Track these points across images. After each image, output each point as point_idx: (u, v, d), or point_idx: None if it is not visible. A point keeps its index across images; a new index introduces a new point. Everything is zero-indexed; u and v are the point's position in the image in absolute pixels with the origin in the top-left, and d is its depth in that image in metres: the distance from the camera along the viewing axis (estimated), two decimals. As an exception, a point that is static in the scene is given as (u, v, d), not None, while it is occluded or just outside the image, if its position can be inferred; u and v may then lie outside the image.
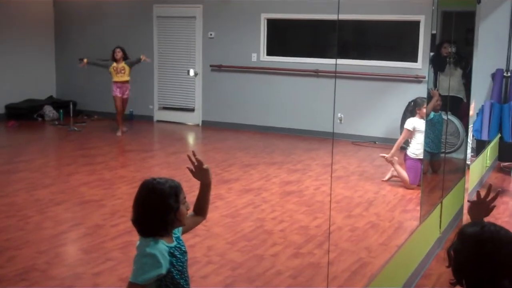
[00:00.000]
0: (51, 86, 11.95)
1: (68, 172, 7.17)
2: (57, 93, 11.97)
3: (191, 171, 2.55)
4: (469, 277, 1.86)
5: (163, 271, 2.23)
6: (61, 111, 10.96)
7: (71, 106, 10.69)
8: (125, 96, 9.82)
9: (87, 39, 11.61)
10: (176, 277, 2.29)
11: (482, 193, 2.36)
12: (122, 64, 9.62)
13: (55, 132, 10.21)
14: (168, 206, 2.28)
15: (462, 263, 1.88)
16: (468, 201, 2.32)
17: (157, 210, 2.28)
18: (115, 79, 9.71)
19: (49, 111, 11.01)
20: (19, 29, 11.02)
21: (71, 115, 10.43)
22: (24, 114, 10.75)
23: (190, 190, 2.59)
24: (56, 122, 10.66)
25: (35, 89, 11.48)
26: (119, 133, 9.66)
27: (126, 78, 9.74)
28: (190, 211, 2.55)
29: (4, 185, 6.47)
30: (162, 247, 2.26)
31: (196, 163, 2.54)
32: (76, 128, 10.05)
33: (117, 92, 9.72)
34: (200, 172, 2.55)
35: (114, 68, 9.63)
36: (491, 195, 2.33)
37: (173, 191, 2.31)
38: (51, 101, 11.47)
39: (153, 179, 2.36)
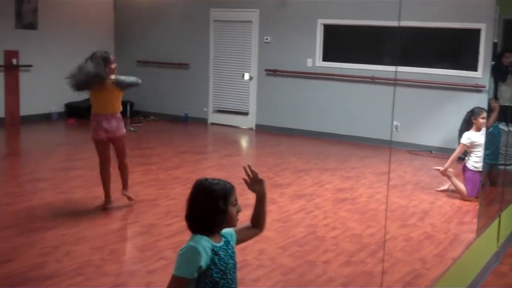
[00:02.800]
0: (110, 87, 12.22)
1: (124, 171, 7.30)
2: (115, 94, 12.23)
3: (246, 182, 2.56)
4: None
5: (202, 263, 2.26)
6: (119, 111, 11.17)
7: (128, 106, 10.90)
8: (118, 134, 5.78)
9: (146, 41, 11.83)
10: (215, 275, 2.31)
11: None
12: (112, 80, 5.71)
13: (112, 131, 10.41)
14: (216, 207, 2.33)
15: None
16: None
17: (206, 210, 2.33)
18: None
19: (107, 111, 11.25)
20: (80, 31, 11.32)
21: (128, 115, 10.63)
22: (83, 113, 11.00)
23: (243, 193, 2.60)
24: (114, 122, 10.87)
25: (94, 89, 11.77)
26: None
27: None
28: (247, 222, 2.58)
29: (62, 182, 6.65)
30: (205, 243, 2.30)
31: (251, 175, 2.55)
32: (132, 128, 10.24)
33: (101, 134, 5.67)
34: (255, 184, 2.55)
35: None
36: None
37: (223, 193, 2.35)
38: (109, 101, 11.71)
39: (205, 179, 2.41)
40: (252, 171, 2.54)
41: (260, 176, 2.54)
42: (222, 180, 2.41)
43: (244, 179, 2.55)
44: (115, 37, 12.21)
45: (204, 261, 2.26)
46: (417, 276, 4.36)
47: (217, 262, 2.31)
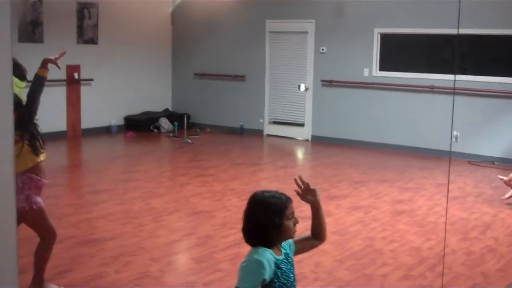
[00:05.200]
0: (167, 99, 12.45)
1: (181, 182, 7.40)
2: (172, 106, 12.45)
3: (298, 194, 2.53)
4: None
5: (267, 277, 2.25)
6: (176, 123, 11.35)
7: (185, 119, 11.06)
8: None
9: (202, 54, 11.99)
10: None
11: None
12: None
13: (170, 143, 10.60)
14: (271, 221, 2.32)
15: None
16: None
17: (261, 223, 2.33)
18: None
19: (164, 123, 11.46)
20: (138, 46, 11.58)
21: (185, 127, 10.77)
22: (142, 126, 11.26)
23: (299, 205, 2.58)
24: (171, 134, 11.06)
25: (152, 102, 12.02)
26: None
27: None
28: (307, 233, 2.56)
29: (122, 193, 6.79)
30: (269, 256, 2.29)
31: (302, 186, 2.53)
32: (189, 140, 10.37)
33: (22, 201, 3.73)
34: (308, 194, 2.53)
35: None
36: None
37: (279, 207, 2.34)
38: (167, 113, 11.93)
39: (261, 192, 2.41)
40: (303, 181, 2.52)
41: (312, 186, 2.52)
42: (278, 193, 2.41)
43: (296, 191, 2.53)
44: (173, 51, 12.42)
45: (268, 274, 2.26)
46: (479, 291, 4.23)
47: (279, 275, 2.31)
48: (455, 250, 5.04)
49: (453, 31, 8.46)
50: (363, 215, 6.06)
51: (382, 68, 10.14)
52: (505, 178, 6.55)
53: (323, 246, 4.97)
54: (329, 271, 4.53)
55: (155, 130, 11.35)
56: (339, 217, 5.95)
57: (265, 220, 2.32)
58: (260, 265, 2.24)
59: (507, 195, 6.58)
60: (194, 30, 12.13)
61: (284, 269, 2.33)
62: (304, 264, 4.53)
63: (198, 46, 12.08)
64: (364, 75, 10.22)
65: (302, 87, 10.79)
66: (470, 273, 4.55)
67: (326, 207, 5.97)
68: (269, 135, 11.27)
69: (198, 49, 12.08)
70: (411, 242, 5.24)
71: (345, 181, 7.55)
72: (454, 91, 8.83)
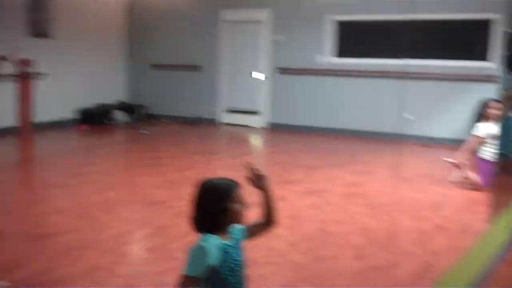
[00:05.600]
0: (123, 91, 12.31)
1: (136, 174, 7.35)
2: (128, 98, 12.32)
3: (249, 180, 2.54)
4: None
5: (213, 262, 2.27)
6: (131, 115, 11.24)
7: (141, 110, 10.96)
8: None
9: (159, 45, 11.90)
10: (225, 273, 2.32)
11: None
12: None
13: (125, 135, 10.50)
14: (219, 204, 2.33)
15: None
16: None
17: (210, 208, 2.34)
18: None
19: (120, 115, 11.33)
20: (93, 37, 11.42)
21: (141, 119, 10.68)
22: (96, 119, 11.12)
23: (251, 192, 2.58)
24: (127, 126, 10.95)
25: (108, 95, 11.87)
26: None
27: None
28: (258, 218, 2.58)
29: (75, 187, 6.69)
30: (215, 241, 2.31)
31: (252, 172, 2.54)
32: (145, 132, 10.29)
33: None
34: (258, 180, 2.53)
35: None
36: None
37: (227, 190, 2.36)
38: (122, 105, 11.81)
39: (209, 179, 2.41)
40: (253, 168, 2.53)
41: (262, 172, 2.53)
42: (226, 178, 2.42)
43: (247, 177, 2.54)
44: (128, 42, 12.28)
45: (214, 260, 2.27)
46: (429, 268, 4.32)
47: (227, 260, 2.33)
48: (406, 230, 5.15)
49: (403, 17, 8.59)
50: (316, 198, 6.12)
51: (337, 54, 10.24)
52: (451, 160, 6.70)
53: (277, 231, 4.98)
54: (282, 254, 4.57)
55: (110, 123, 11.22)
56: (292, 201, 6.00)
57: (213, 205, 2.33)
58: (205, 251, 2.26)
59: (454, 177, 6.74)
60: (150, 21, 12.02)
61: (231, 253, 2.35)
62: (258, 249, 4.55)
63: (154, 37, 11.98)
64: (319, 62, 10.30)
65: (258, 75, 10.81)
66: (420, 252, 4.65)
67: (280, 192, 6.05)
68: (226, 124, 11.27)
69: (154, 40, 11.97)
70: (363, 224, 5.32)
71: (299, 167, 7.61)
72: (405, 76, 8.99)
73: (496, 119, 6.42)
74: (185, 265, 2.29)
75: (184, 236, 4.95)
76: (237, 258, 2.39)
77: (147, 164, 7.87)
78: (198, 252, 2.28)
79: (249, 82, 11.05)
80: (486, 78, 8.77)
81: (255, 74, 10.81)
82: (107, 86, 11.92)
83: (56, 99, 10.84)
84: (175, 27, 11.71)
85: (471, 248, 4.06)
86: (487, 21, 8.87)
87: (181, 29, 11.65)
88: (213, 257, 2.27)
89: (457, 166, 6.65)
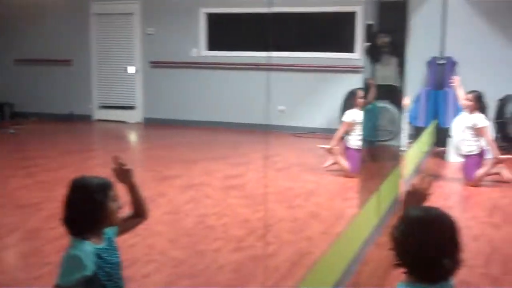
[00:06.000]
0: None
1: (4, 175, 6.98)
2: (-8, 95, 11.64)
3: (114, 173, 2.51)
4: (413, 258, 1.91)
5: (88, 272, 2.20)
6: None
7: (7, 108, 10.42)
8: None
9: (24, 39, 11.32)
10: (102, 279, 2.26)
11: (417, 181, 2.40)
12: None
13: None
14: (94, 203, 2.25)
15: (407, 245, 1.93)
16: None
17: (83, 207, 2.25)
18: None
19: (-17, 114, 10.70)
20: None
21: (7, 117, 10.15)
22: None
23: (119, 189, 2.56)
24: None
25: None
26: None
27: None
28: (128, 212, 2.54)
29: None
30: (87, 248, 2.23)
31: (117, 165, 2.51)
32: (13, 131, 9.79)
33: None
34: (122, 174, 2.51)
35: None
36: (426, 182, 2.37)
37: (101, 188, 2.29)
38: (-15, 103, 11.15)
39: (81, 177, 2.34)
40: (118, 162, 2.50)
41: (126, 166, 2.52)
42: (99, 177, 2.36)
43: (113, 170, 2.50)
44: (-10, 35, 11.59)
45: (89, 270, 2.20)
46: (304, 254, 4.50)
47: (102, 265, 2.26)
48: (281, 218, 5.32)
49: (272, 9, 8.80)
50: (195, 193, 6.16)
51: (209, 48, 10.31)
52: (326, 146, 7.00)
53: (156, 227, 5.02)
54: (163, 251, 4.56)
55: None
56: (171, 197, 6.00)
57: (87, 202, 2.25)
58: (79, 262, 2.18)
59: (327, 163, 7.06)
60: (13, 15, 11.39)
61: (106, 257, 2.29)
62: (137, 248, 4.52)
63: (17, 31, 11.37)
64: (192, 55, 10.32)
65: (131, 69, 10.64)
66: (295, 239, 4.84)
67: (158, 188, 6.04)
68: (100, 120, 11.00)
69: (18, 34, 11.37)
70: (241, 215, 5.43)
71: (177, 161, 7.61)
72: (269, 68, 9.22)
73: (361, 106, 6.77)
74: (58, 275, 2.21)
75: (58, 238, 4.78)
76: (112, 261, 2.32)
77: (16, 165, 7.50)
78: (71, 262, 2.20)
79: (123, 76, 10.84)
80: (353, 69, 9.22)
81: (128, 68, 10.63)
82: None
83: None
84: (43, 20, 11.20)
85: (342, 234, 4.28)
86: (351, 13, 9.33)
87: (49, 23, 11.16)
88: (87, 266, 2.19)
89: (331, 152, 6.95)
